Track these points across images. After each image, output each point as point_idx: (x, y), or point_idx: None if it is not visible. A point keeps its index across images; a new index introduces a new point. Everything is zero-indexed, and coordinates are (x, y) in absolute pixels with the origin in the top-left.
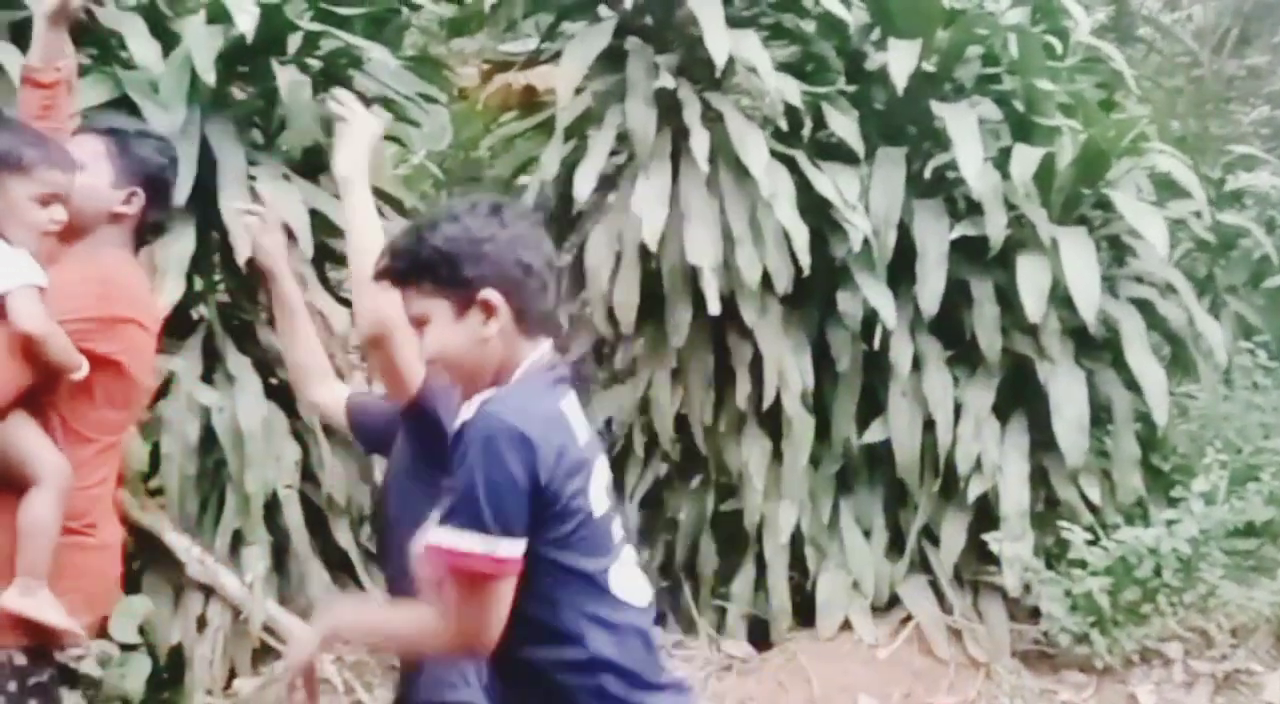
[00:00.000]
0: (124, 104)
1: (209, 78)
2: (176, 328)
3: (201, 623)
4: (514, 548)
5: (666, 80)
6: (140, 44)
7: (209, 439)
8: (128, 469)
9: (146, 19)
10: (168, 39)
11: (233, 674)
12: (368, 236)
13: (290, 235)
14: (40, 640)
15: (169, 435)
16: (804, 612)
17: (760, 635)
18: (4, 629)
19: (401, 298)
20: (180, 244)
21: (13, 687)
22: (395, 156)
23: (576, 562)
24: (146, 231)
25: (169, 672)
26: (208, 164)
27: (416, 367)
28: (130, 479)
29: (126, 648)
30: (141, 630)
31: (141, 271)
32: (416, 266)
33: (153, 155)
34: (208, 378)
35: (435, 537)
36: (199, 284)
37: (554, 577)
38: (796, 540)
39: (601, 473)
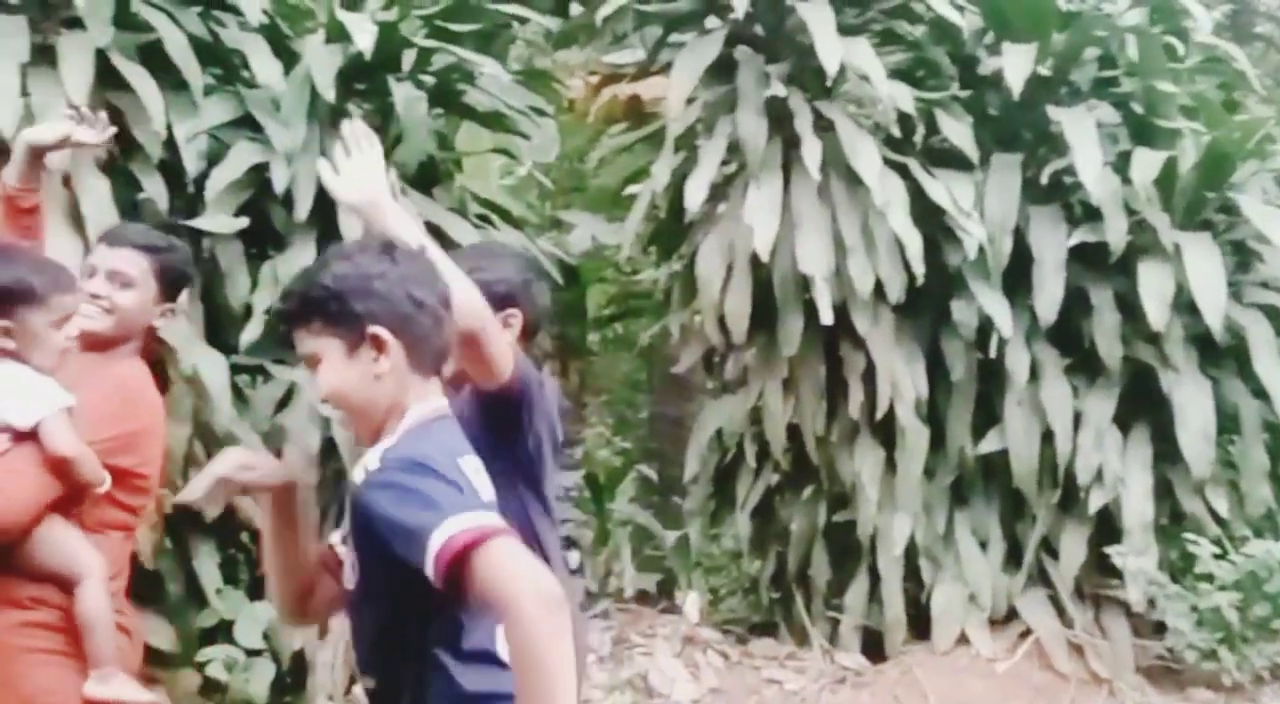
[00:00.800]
0: (247, 122)
1: (329, 95)
2: (289, 340)
3: (323, 629)
4: (483, 516)
5: (777, 89)
6: (262, 63)
7: (329, 448)
8: None
9: (268, 39)
10: (288, 58)
11: (353, 680)
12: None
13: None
14: None
15: (291, 445)
16: (919, 624)
17: (874, 648)
18: None
19: (295, 339)
20: (301, 258)
21: None
22: (502, 168)
23: None
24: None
25: (291, 676)
26: None
27: (506, 354)
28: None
29: (251, 653)
30: (265, 636)
31: (147, 372)
32: (306, 305)
33: (187, 269)
34: None
35: (429, 560)
36: None
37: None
38: (911, 552)
39: None
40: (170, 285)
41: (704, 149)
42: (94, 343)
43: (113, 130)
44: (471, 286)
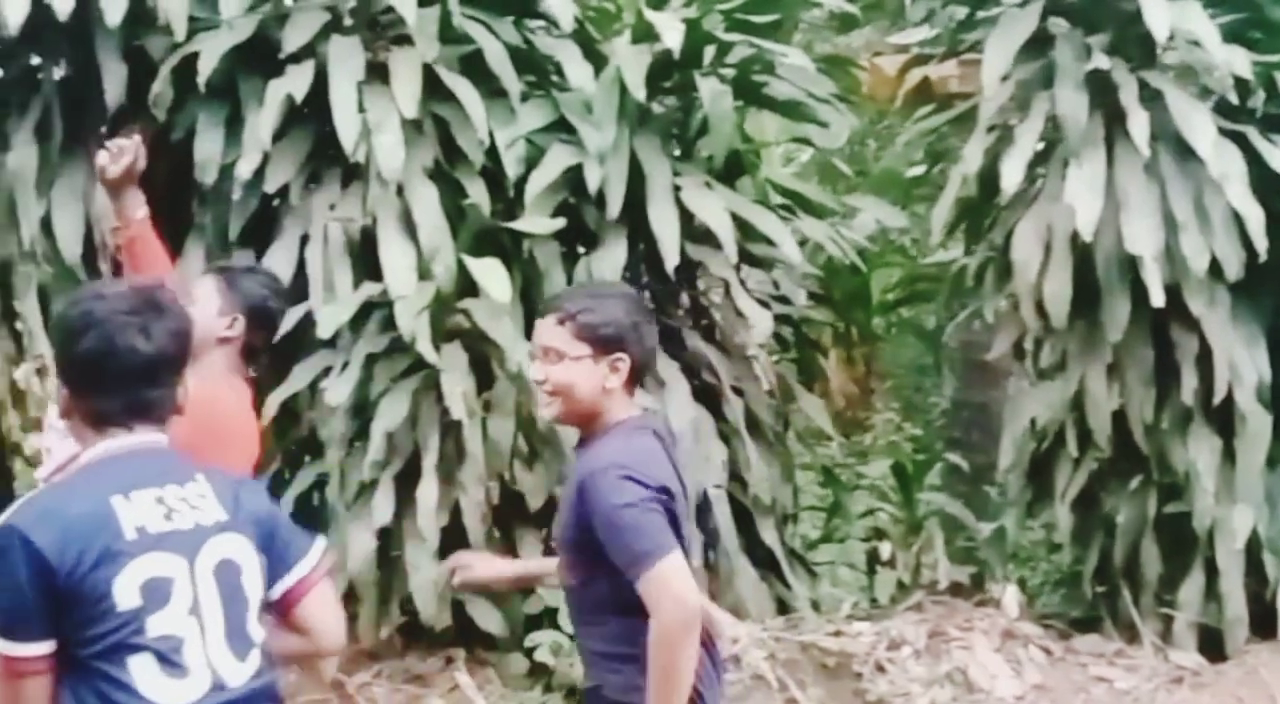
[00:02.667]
0: (560, 126)
1: (640, 95)
2: None
3: None
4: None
5: (1099, 61)
6: (574, 67)
7: None
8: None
9: (578, 43)
10: (596, 61)
11: None
12: None
13: (716, 242)
14: None
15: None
16: (1262, 622)
17: (1211, 646)
18: None
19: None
20: (613, 255)
21: None
22: (783, 156)
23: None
24: (254, 352)
25: None
26: (635, 177)
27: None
28: None
29: (574, 638)
30: None
31: (234, 390)
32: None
33: (255, 288)
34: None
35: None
36: None
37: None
38: (1253, 545)
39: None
40: (233, 302)
41: (1020, 128)
42: None
43: (133, 142)
44: None
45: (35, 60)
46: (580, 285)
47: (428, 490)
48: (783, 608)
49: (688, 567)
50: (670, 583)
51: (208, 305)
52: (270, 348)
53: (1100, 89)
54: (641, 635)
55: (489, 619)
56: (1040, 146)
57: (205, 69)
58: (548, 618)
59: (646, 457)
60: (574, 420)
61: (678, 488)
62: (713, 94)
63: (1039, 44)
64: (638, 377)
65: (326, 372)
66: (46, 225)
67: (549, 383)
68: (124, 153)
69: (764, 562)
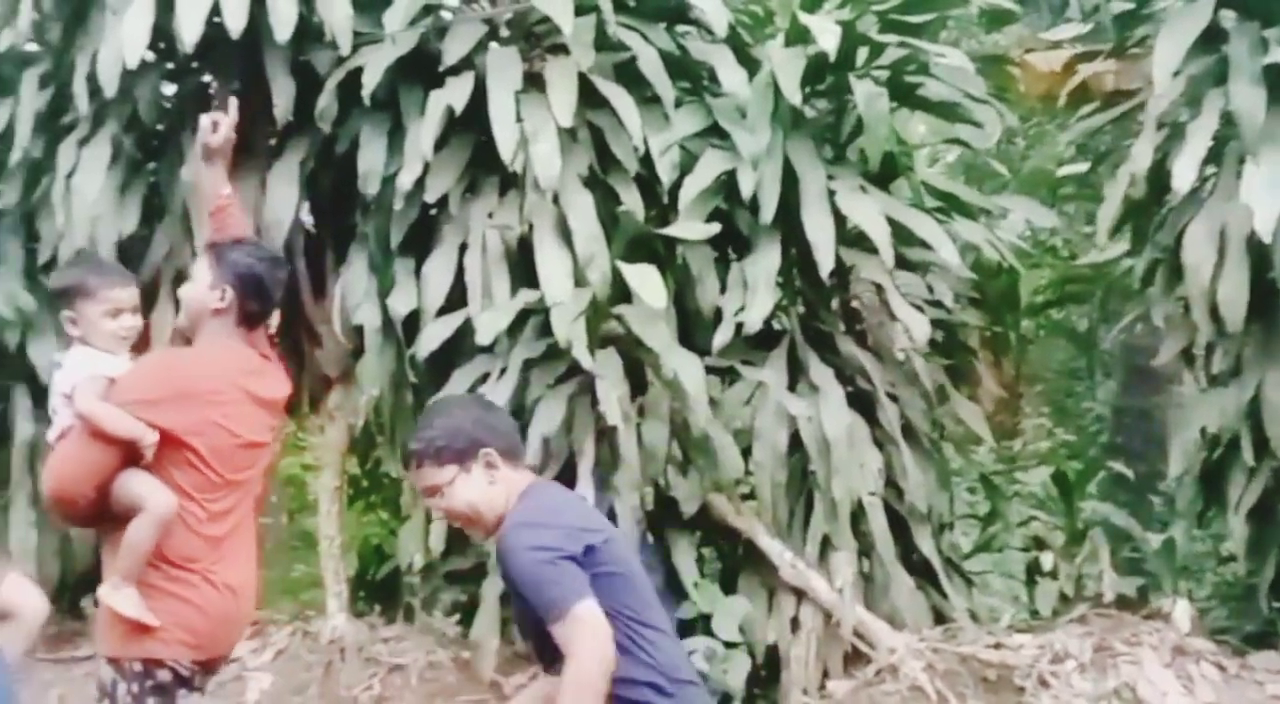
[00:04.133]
0: (713, 131)
1: (795, 99)
2: (762, 340)
3: (795, 624)
4: None
5: (1275, 55)
6: (728, 72)
7: (795, 446)
8: (724, 477)
9: (731, 48)
10: (749, 65)
11: (826, 675)
12: None
13: (869, 245)
14: (152, 647)
15: (760, 444)
16: None
17: None
18: (122, 640)
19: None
20: (767, 260)
21: (135, 688)
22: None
23: None
24: (251, 319)
25: (766, 670)
26: (789, 181)
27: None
28: (725, 485)
29: (728, 645)
30: (740, 629)
31: (233, 352)
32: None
33: (241, 258)
34: (792, 388)
35: None
36: (781, 297)
37: None
38: None
39: None
40: (222, 275)
41: (1191, 125)
42: (187, 331)
43: (230, 114)
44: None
45: (206, 78)
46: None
47: (583, 494)
48: (939, 618)
49: (597, 611)
50: (581, 628)
51: (200, 281)
52: (432, 356)
53: (1277, 83)
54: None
55: None
56: (1209, 144)
57: (370, 82)
58: (702, 624)
59: (550, 505)
60: (500, 522)
61: (596, 523)
62: (868, 96)
63: (1210, 38)
64: (512, 456)
65: (484, 377)
66: None
67: (451, 515)
68: (223, 124)
69: (920, 570)
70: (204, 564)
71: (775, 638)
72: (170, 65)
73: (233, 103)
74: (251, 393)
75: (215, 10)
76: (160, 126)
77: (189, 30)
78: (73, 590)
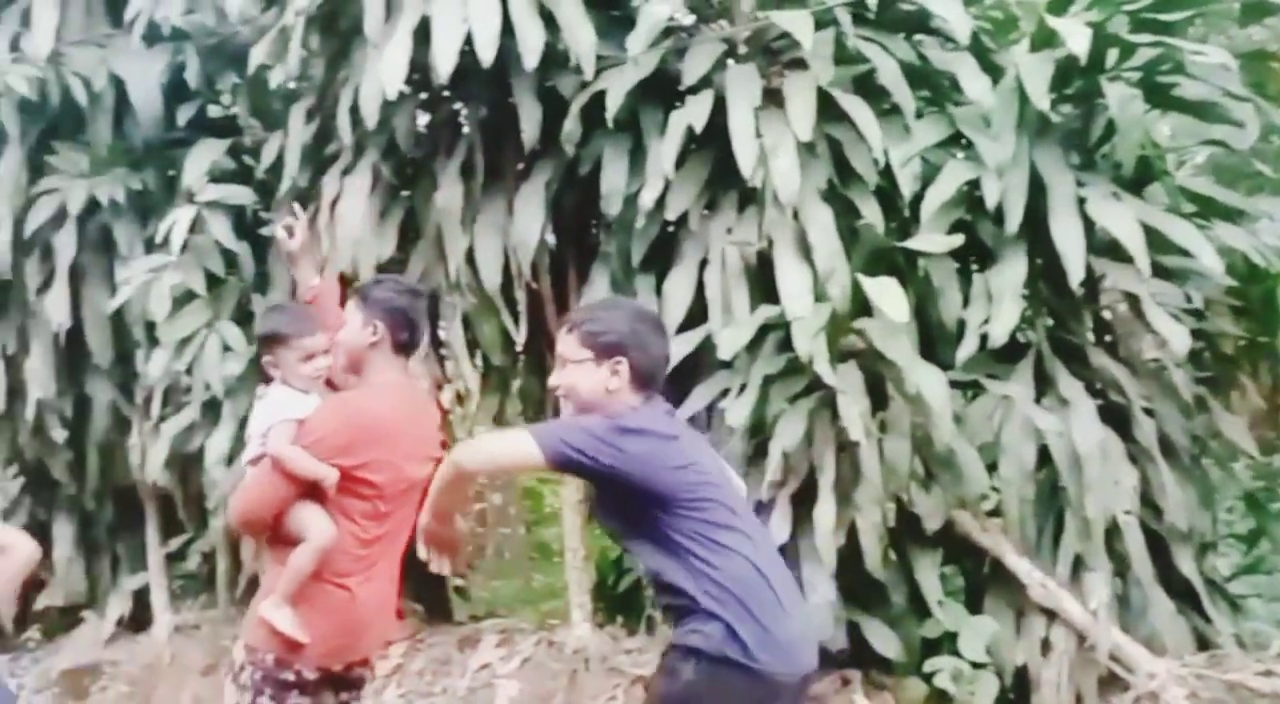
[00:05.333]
0: (954, 141)
1: (1043, 104)
2: (1007, 353)
3: (1045, 646)
4: None
5: None
6: (971, 80)
7: (1043, 462)
8: (968, 493)
9: (974, 55)
10: (992, 72)
11: (1079, 700)
12: None
13: (1121, 254)
14: (287, 652)
15: (1006, 459)
16: None
17: None
18: (264, 637)
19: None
20: (1012, 270)
21: (258, 676)
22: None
23: None
24: (404, 348)
25: (1015, 693)
26: (1035, 190)
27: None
28: (970, 501)
29: (975, 665)
30: (987, 650)
31: (399, 389)
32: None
33: (383, 293)
34: (1039, 401)
35: None
36: (1027, 308)
37: None
38: None
39: None
40: (370, 313)
41: None
42: (352, 370)
43: (303, 219)
44: None
45: (456, 106)
46: (597, 301)
47: (825, 511)
48: (1202, 644)
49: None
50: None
51: (352, 323)
52: (671, 373)
53: None
54: (681, 577)
55: (886, 642)
56: None
57: (613, 105)
58: (948, 643)
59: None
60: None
61: (680, 430)
62: (1122, 99)
63: None
64: (644, 380)
65: (724, 393)
66: (470, 257)
67: (560, 387)
68: (297, 230)
69: (1181, 593)
70: (353, 581)
71: (1024, 659)
72: (424, 95)
73: (299, 211)
74: (415, 428)
75: (467, 41)
76: (414, 155)
77: (444, 61)
78: None
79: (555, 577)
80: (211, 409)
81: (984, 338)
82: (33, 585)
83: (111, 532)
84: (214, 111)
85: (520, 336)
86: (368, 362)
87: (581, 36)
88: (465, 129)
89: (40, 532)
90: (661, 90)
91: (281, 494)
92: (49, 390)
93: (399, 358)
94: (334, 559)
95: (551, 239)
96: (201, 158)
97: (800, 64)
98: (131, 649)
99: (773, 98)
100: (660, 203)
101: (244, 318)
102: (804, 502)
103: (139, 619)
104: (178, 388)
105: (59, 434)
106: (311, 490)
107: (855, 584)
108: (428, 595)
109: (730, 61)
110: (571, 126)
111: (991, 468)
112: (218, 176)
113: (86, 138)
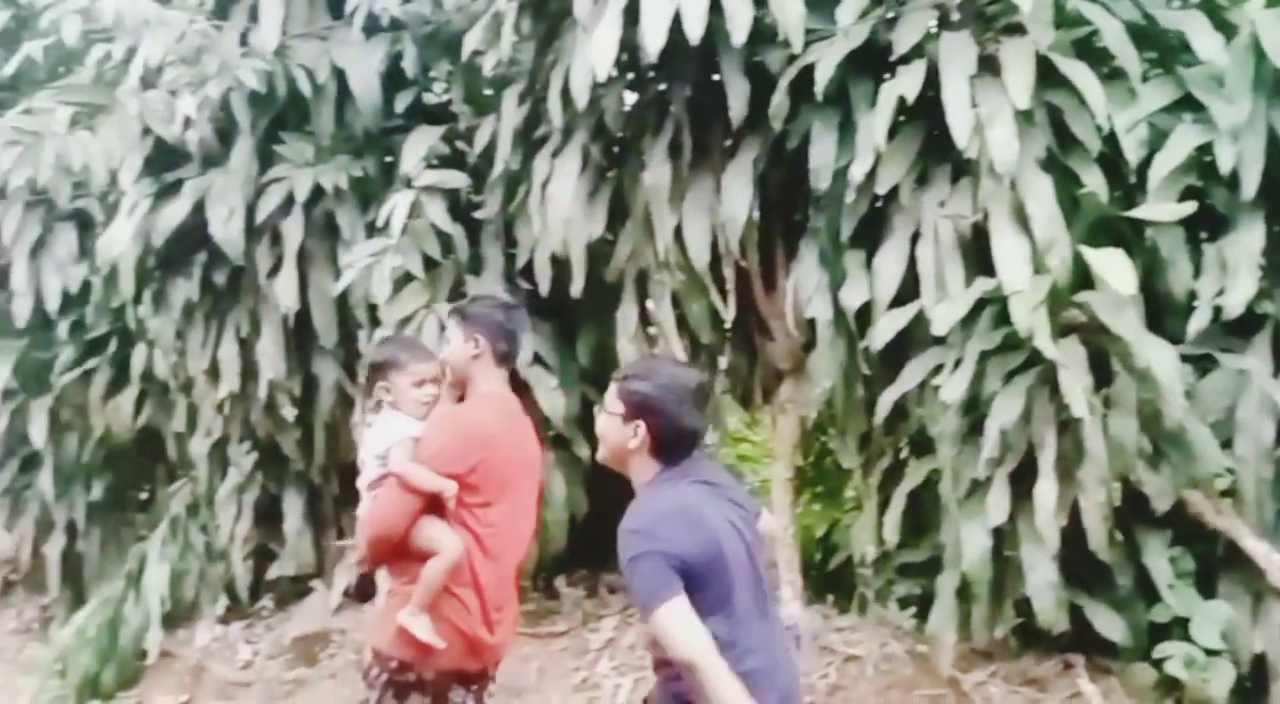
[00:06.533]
0: (1184, 104)
1: None
2: (1242, 326)
3: None
4: None
5: None
6: (1203, 39)
7: None
8: (1200, 473)
9: (1205, 12)
10: (1225, 30)
11: None
12: None
13: None
14: (414, 657)
15: (1242, 437)
16: None
17: None
18: (390, 641)
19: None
20: (1249, 239)
21: (384, 677)
22: None
23: None
24: (505, 358)
25: (1252, 681)
26: (1273, 154)
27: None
28: (1202, 481)
29: (1210, 652)
30: (1223, 636)
31: (502, 401)
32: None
33: (480, 309)
34: (1277, 376)
35: None
36: (1264, 279)
37: None
38: None
39: None
40: (470, 329)
41: None
42: (459, 387)
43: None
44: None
45: (662, 86)
46: (658, 355)
47: (1045, 490)
48: None
49: (686, 609)
50: (665, 625)
51: (454, 340)
52: (884, 348)
53: None
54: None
55: (1111, 626)
56: None
57: (822, 78)
58: (1179, 628)
59: (661, 517)
60: (612, 465)
61: (704, 537)
62: None
63: None
64: (662, 448)
65: (938, 369)
66: (678, 236)
67: (598, 429)
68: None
69: None
70: (472, 589)
71: (1263, 647)
72: (630, 76)
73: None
74: (519, 438)
75: (675, 19)
76: (622, 135)
77: (653, 40)
78: (548, 571)
79: None
80: None
81: (1217, 310)
82: (266, 556)
83: (338, 505)
84: (429, 99)
85: (729, 314)
86: (472, 375)
87: (790, 9)
88: (672, 108)
89: (271, 505)
90: (871, 62)
91: (410, 510)
92: (279, 371)
93: (500, 369)
94: (457, 571)
95: (759, 216)
96: (418, 144)
97: (1017, 29)
98: (358, 618)
99: (988, 65)
100: (870, 176)
101: (459, 299)
102: (1022, 480)
103: (364, 590)
104: None
105: (289, 412)
106: (431, 505)
107: (1078, 566)
108: None
109: (943, 30)
110: (780, 101)
111: (1226, 445)
112: (433, 162)
113: (311, 127)
